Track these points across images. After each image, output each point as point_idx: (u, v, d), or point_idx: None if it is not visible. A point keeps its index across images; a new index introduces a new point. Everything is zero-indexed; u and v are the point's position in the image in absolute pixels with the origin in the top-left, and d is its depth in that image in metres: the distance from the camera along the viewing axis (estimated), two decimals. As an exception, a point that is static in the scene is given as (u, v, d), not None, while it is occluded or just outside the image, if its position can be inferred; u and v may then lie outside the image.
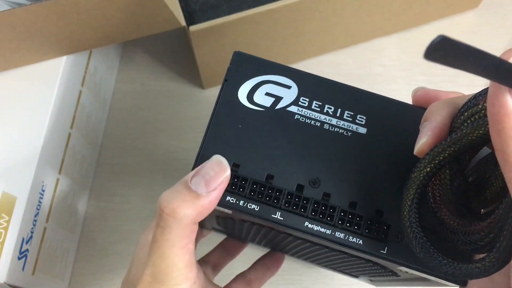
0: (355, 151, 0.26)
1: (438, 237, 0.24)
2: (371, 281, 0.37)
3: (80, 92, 0.43)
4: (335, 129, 0.26)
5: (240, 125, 0.26)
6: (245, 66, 0.28)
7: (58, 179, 0.40)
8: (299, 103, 0.27)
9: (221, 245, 0.39)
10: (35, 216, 0.36)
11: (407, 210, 0.22)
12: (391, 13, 0.50)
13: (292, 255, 0.38)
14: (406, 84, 0.52)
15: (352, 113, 0.27)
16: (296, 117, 0.27)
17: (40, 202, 0.37)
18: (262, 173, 0.25)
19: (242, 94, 0.27)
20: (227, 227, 0.33)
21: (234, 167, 0.25)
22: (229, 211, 0.26)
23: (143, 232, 0.30)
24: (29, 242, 0.36)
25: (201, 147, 0.26)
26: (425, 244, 0.22)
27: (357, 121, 0.27)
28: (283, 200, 0.25)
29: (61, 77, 0.39)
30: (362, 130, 0.26)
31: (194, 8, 0.44)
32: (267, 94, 0.27)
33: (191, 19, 0.43)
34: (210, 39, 0.43)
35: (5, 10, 0.33)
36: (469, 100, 0.22)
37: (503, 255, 0.19)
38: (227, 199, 0.25)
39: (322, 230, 0.25)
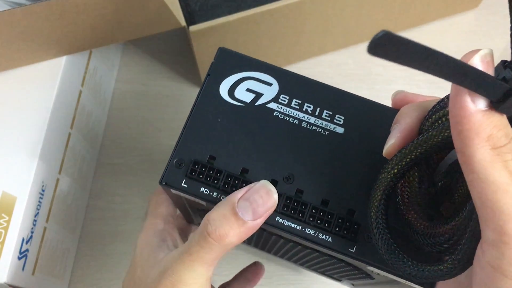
0: (332, 150, 0.26)
1: (406, 239, 0.24)
2: (354, 286, 0.37)
3: (80, 92, 0.43)
4: (313, 128, 0.27)
5: (219, 119, 0.27)
6: (229, 62, 0.28)
7: (58, 179, 0.40)
8: (279, 100, 0.27)
9: None
10: (35, 216, 0.36)
11: (374, 211, 0.23)
12: (391, 13, 0.50)
13: (275, 254, 0.38)
14: (406, 84, 0.52)
15: (331, 113, 0.27)
16: (275, 113, 0.27)
17: (40, 202, 0.37)
18: (237, 167, 0.26)
19: (224, 89, 0.27)
20: None
21: (211, 159, 0.26)
22: (203, 203, 0.26)
23: (140, 232, 0.30)
24: (29, 242, 0.36)
25: (179, 139, 0.26)
26: (390, 245, 0.22)
27: (335, 120, 0.27)
28: None
29: (61, 77, 0.39)
30: (340, 130, 0.27)
31: (194, 8, 0.44)
32: (248, 90, 0.27)
33: (191, 19, 0.43)
34: (210, 39, 0.43)
35: (5, 10, 0.33)
36: (438, 103, 0.22)
37: (465, 257, 0.19)
38: (201, 190, 0.25)
39: (293, 225, 0.25)
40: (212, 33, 0.42)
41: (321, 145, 0.26)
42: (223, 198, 0.25)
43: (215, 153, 0.26)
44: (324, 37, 0.50)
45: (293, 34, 0.47)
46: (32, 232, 0.36)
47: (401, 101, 0.27)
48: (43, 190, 0.37)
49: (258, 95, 0.27)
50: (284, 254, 0.35)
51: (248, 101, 0.27)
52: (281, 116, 0.27)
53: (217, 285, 0.35)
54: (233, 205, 0.24)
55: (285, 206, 0.25)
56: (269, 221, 0.25)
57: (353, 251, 0.24)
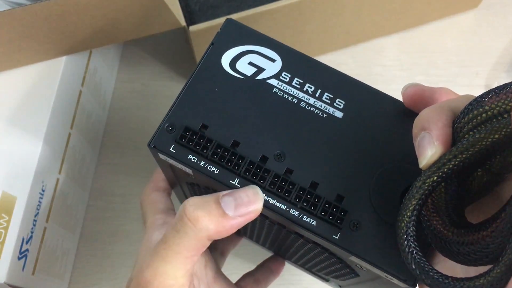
0: (327, 134, 0.26)
1: (427, 247, 0.23)
2: (341, 287, 0.37)
3: (80, 92, 0.43)
4: (311, 109, 0.26)
5: (217, 89, 0.26)
6: (235, 33, 0.28)
7: (58, 179, 0.40)
8: (280, 77, 0.27)
9: None
10: (35, 216, 0.36)
11: (405, 221, 0.21)
12: (391, 13, 0.50)
13: (263, 244, 0.38)
14: (406, 84, 0.52)
15: (332, 96, 0.26)
16: (274, 90, 0.26)
17: (40, 202, 0.37)
18: (228, 138, 0.25)
19: (226, 60, 0.27)
20: None
21: (203, 128, 0.25)
22: (190, 171, 0.25)
23: (147, 232, 0.29)
24: (29, 242, 0.36)
25: (174, 104, 0.26)
26: (420, 260, 0.21)
27: (335, 104, 0.26)
28: (244, 168, 0.25)
29: (61, 77, 0.39)
30: (339, 114, 0.26)
31: (194, 8, 0.44)
32: (250, 63, 0.27)
33: (191, 19, 0.43)
34: (210, 39, 0.43)
35: (5, 10, 0.33)
36: (470, 103, 0.21)
37: (511, 269, 0.18)
38: (189, 157, 0.25)
39: (277, 204, 0.24)
40: (212, 33, 0.42)
41: (317, 127, 0.26)
42: (209, 168, 0.25)
43: (208, 122, 0.26)
44: (324, 37, 0.50)
45: (293, 34, 0.47)
46: (32, 232, 0.36)
47: (417, 95, 0.25)
48: (43, 190, 0.37)
49: (260, 70, 0.27)
50: (272, 243, 0.35)
51: (249, 74, 0.27)
52: (280, 93, 0.26)
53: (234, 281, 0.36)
54: (217, 197, 0.23)
55: (272, 184, 0.24)
56: None
57: (337, 237, 0.24)
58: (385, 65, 0.53)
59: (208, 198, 0.23)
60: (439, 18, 0.54)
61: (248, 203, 0.23)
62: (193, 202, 0.23)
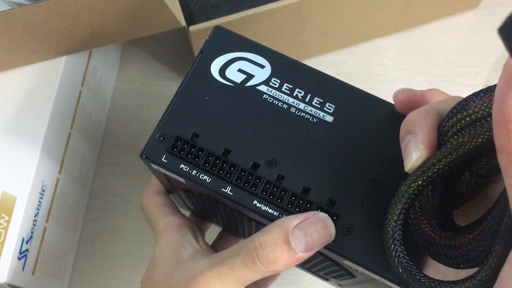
0: (318, 138, 0.26)
1: (416, 250, 0.23)
2: (341, 286, 0.37)
3: (80, 92, 0.43)
4: (302, 114, 0.26)
5: (207, 97, 0.26)
6: (223, 41, 0.28)
7: (58, 179, 0.40)
8: (270, 83, 0.27)
9: (222, 233, 0.40)
10: (35, 216, 0.36)
11: (391, 226, 0.21)
12: (391, 13, 0.50)
13: None
14: (406, 84, 0.52)
15: (322, 101, 0.26)
16: (264, 96, 0.26)
17: (40, 202, 0.37)
18: (220, 147, 0.25)
19: (215, 67, 0.27)
20: (196, 204, 0.33)
21: (194, 136, 0.26)
22: (183, 180, 0.26)
23: (163, 234, 0.29)
24: (29, 242, 0.36)
25: (164, 113, 0.26)
26: (407, 264, 0.21)
27: (325, 108, 0.26)
28: (235, 176, 0.25)
29: (61, 77, 0.39)
30: (329, 119, 0.26)
31: (194, 8, 0.44)
32: (240, 70, 0.27)
33: (191, 19, 0.43)
34: (210, 39, 0.43)
35: (5, 10, 0.33)
36: (455, 107, 0.21)
37: (496, 272, 0.18)
38: (181, 166, 0.25)
39: (270, 210, 0.24)
40: (212, 33, 0.42)
41: (308, 132, 0.26)
42: (201, 176, 0.25)
43: (199, 131, 0.26)
44: (324, 37, 0.50)
45: (293, 34, 0.47)
46: (32, 232, 0.36)
47: (409, 100, 0.25)
48: (43, 190, 0.37)
49: (249, 77, 0.27)
50: None
51: (239, 81, 0.27)
52: (270, 99, 0.26)
53: None
54: (287, 233, 0.23)
55: (264, 191, 0.24)
56: (247, 204, 0.24)
57: (330, 242, 0.24)
58: (385, 65, 0.53)
59: (278, 237, 0.23)
60: (439, 18, 0.54)
61: (319, 239, 0.23)
62: (264, 243, 0.23)
